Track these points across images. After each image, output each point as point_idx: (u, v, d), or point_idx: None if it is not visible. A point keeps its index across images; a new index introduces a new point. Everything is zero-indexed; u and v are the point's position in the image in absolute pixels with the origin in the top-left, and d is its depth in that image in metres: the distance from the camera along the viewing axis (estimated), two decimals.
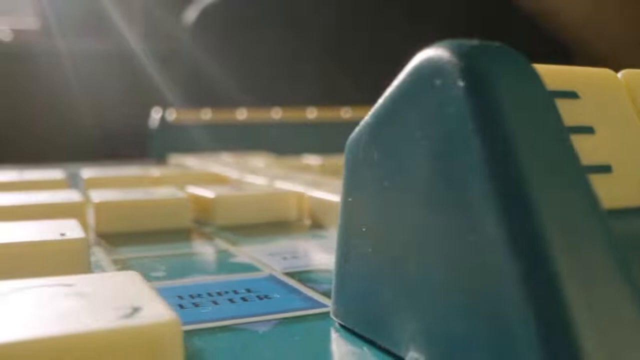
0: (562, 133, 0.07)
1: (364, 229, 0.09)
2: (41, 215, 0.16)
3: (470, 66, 0.07)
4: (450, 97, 0.07)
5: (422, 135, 0.08)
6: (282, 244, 0.16)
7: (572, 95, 0.09)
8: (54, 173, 0.26)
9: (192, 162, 0.32)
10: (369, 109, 0.09)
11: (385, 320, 0.08)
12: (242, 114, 0.43)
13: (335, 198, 0.18)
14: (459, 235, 0.07)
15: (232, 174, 0.25)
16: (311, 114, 0.43)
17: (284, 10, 0.60)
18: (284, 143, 0.41)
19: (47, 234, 0.12)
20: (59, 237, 0.12)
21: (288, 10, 0.60)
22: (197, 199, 0.19)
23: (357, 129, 0.09)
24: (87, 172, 0.26)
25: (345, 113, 0.43)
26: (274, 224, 0.18)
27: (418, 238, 0.08)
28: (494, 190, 0.07)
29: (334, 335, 0.09)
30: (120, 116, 0.81)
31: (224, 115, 0.43)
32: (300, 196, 0.19)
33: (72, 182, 0.26)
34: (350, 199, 0.09)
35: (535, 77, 0.08)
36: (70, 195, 0.18)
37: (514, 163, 0.07)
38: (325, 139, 0.41)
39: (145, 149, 0.49)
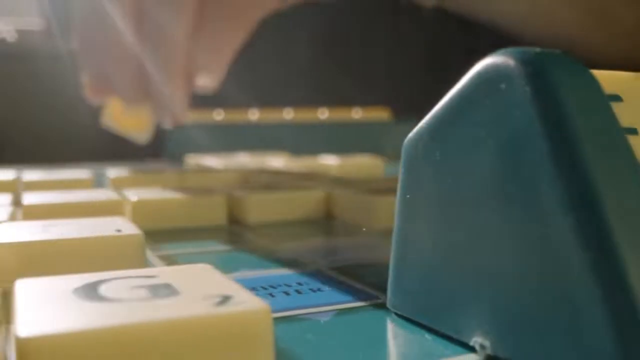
0: (620, 133, 0.08)
1: (424, 224, 0.09)
2: (80, 213, 0.16)
3: (535, 72, 0.08)
4: (516, 100, 0.08)
5: (488, 135, 0.08)
6: (319, 241, 0.16)
7: (616, 98, 0.10)
8: (80, 172, 0.26)
9: (211, 161, 0.32)
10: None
11: (447, 309, 0.09)
12: (254, 115, 0.43)
13: (364, 196, 0.18)
14: (526, 228, 0.08)
15: (255, 173, 0.26)
16: (322, 114, 0.44)
17: (290, 11, 0.61)
18: (296, 143, 0.42)
19: (103, 230, 0.13)
20: (116, 233, 0.12)
21: (295, 12, 0.60)
22: (230, 198, 0.19)
23: (414, 130, 0.10)
24: (113, 172, 0.26)
25: (356, 114, 0.44)
26: (305, 221, 0.19)
27: (484, 231, 0.08)
28: (562, 185, 0.07)
29: (392, 323, 0.10)
30: None
31: (236, 116, 0.43)
32: (329, 195, 0.19)
33: (98, 181, 0.26)
34: (408, 196, 0.10)
35: (594, 81, 0.08)
36: (107, 194, 0.19)
37: (580, 161, 0.07)
38: (336, 139, 0.42)
39: (156, 149, 0.49)
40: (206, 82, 0.30)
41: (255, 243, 0.16)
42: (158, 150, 0.48)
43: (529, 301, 0.08)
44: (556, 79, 0.08)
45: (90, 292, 0.08)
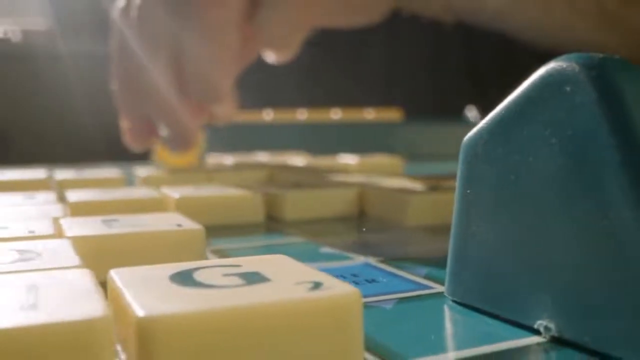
0: None
1: (485, 217, 0.10)
2: (124, 210, 0.17)
3: (599, 75, 0.09)
4: (582, 102, 0.09)
5: (551, 135, 0.09)
6: (357, 236, 0.17)
7: None
8: (110, 172, 0.27)
9: (232, 160, 0.33)
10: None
11: (510, 296, 0.10)
12: (269, 115, 0.44)
13: (397, 194, 0.19)
14: (590, 221, 0.08)
15: (281, 171, 0.26)
16: (335, 114, 0.44)
17: None
18: (308, 143, 0.42)
19: (166, 225, 0.13)
20: (180, 228, 0.13)
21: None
22: (267, 195, 0.20)
23: (474, 130, 0.10)
24: (142, 171, 0.27)
25: (368, 114, 0.45)
26: (339, 218, 0.20)
27: (548, 224, 0.09)
28: (628, 182, 0.08)
29: (453, 310, 0.10)
30: None
31: (251, 117, 0.44)
32: (361, 192, 0.20)
33: (128, 180, 0.27)
34: (468, 191, 0.10)
35: None
36: (147, 192, 0.20)
37: None
38: (349, 139, 0.42)
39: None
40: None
41: (297, 238, 0.17)
42: None
43: (594, 287, 0.08)
44: (619, 82, 0.09)
45: (186, 279, 0.09)
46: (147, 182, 0.25)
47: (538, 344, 0.09)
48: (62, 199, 0.19)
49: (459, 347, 0.09)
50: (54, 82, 0.94)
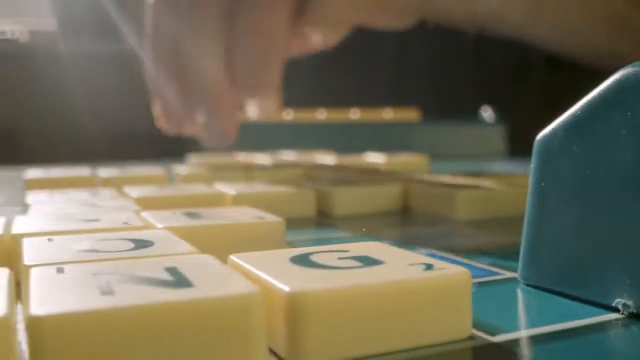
0: None
1: (560, 207, 0.11)
2: (187, 205, 0.18)
3: None
4: None
5: (629, 133, 0.10)
6: (411, 229, 0.18)
7: None
8: (150, 169, 0.28)
9: (261, 158, 0.34)
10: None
11: (588, 277, 0.11)
12: (288, 115, 0.45)
13: (442, 189, 0.20)
14: None
15: (317, 169, 0.27)
16: (354, 114, 0.45)
17: None
18: (327, 142, 0.43)
19: (249, 217, 0.14)
20: (262, 220, 0.14)
21: None
22: (319, 192, 0.21)
23: (549, 128, 0.11)
24: (181, 169, 0.28)
25: (387, 114, 0.46)
26: (386, 213, 0.21)
27: (624, 212, 0.10)
28: None
29: (531, 292, 0.12)
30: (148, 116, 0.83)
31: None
32: (406, 188, 0.21)
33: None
34: (543, 184, 0.12)
35: None
36: (203, 188, 0.21)
37: None
38: (367, 139, 0.43)
39: (184, 149, 0.51)
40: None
41: (354, 232, 0.18)
42: (190, 149, 0.49)
43: None
44: None
45: (306, 261, 0.10)
46: (188, 179, 0.26)
47: (616, 319, 0.10)
48: (122, 194, 0.20)
49: (546, 323, 0.10)
50: (62, 83, 0.95)
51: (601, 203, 0.10)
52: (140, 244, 0.11)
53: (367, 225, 0.19)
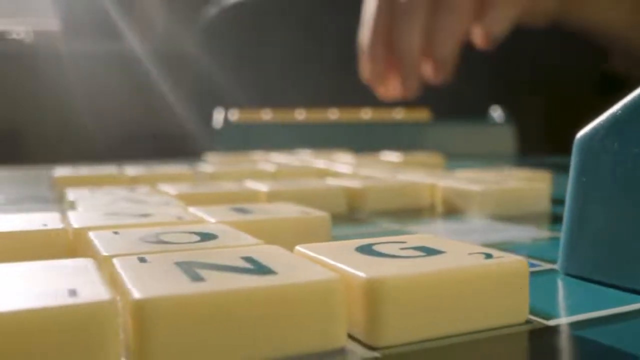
0: None
1: (602, 201, 0.12)
2: (224, 201, 0.19)
3: None
4: None
5: None
6: (441, 225, 0.19)
7: None
8: (177, 168, 0.29)
9: (280, 158, 0.34)
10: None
11: (629, 265, 0.11)
12: (300, 114, 0.45)
13: (467, 186, 0.21)
14: None
15: (338, 167, 0.28)
16: (365, 114, 0.46)
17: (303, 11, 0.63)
18: (340, 142, 0.44)
19: (295, 212, 0.15)
20: (309, 215, 0.15)
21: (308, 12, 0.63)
22: (346, 189, 0.21)
23: (589, 127, 0.12)
24: (208, 167, 0.28)
25: (397, 114, 0.46)
26: (414, 209, 0.21)
27: None
28: None
29: (572, 282, 0.12)
30: (172, 116, 0.84)
31: (283, 116, 0.45)
32: (432, 185, 0.22)
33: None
34: (584, 179, 0.12)
35: None
36: (237, 185, 0.21)
37: None
38: (377, 138, 0.44)
39: (199, 148, 0.51)
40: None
41: (388, 227, 0.18)
42: (205, 148, 0.50)
43: None
44: None
45: (370, 251, 0.10)
46: (215, 177, 0.27)
47: None
48: (158, 192, 0.21)
49: (594, 309, 0.11)
50: (67, 82, 0.95)
51: None
52: (205, 236, 0.12)
53: (399, 220, 0.19)
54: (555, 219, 0.19)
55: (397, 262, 0.10)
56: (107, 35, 0.98)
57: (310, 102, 0.48)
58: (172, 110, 0.88)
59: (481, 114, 0.47)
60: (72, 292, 0.08)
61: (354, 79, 0.43)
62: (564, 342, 0.09)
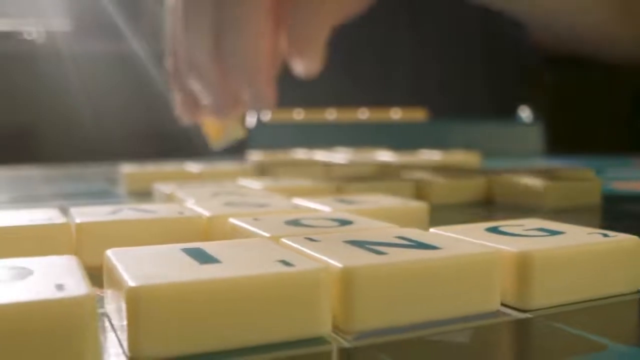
0: None
1: None
2: (310, 194, 0.20)
3: None
4: None
5: None
6: (507, 217, 0.20)
7: None
8: (235, 165, 0.30)
9: (321, 155, 0.36)
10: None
11: None
12: (331, 114, 0.47)
13: (526, 181, 0.22)
14: None
15: (390, 166, 0.30)
16: (395, 114, 0.48)
17: None
18: (370, 141, 0.46)
19: (393, 203, 0.17)
20: (406, 205, 0.16)
21: None
22: (416, 181, 0.23)
23: None
24: (260, 164, 0.30)
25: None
26: (473, 203, 0.23)
27: None
28: None
29: None
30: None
31: (314, 116, 0.47)
32: (490, 180, 0.24)
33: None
34: None
35: None
36: (316, 181, 0.23)
37: None
38: (405, 137, 0.46)
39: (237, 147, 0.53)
40: (303, 67, 0.31)
41: (455, 219, 0.20)
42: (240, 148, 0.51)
43: None
44: None
45: (498, 231, 0.12)
46: (277, 174, 0.28)
47: None
48: (241, 186, 0.23)
49: None
50: (78, 82, 0.97)
51: None
52: (342, 222, 0.14)
53: (464, 213, 0.21)
54: (610, 212, 0.21)
55: (532, 239, 0.11)
56: (118, 35, 0.99)
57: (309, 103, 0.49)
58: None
59: (510, 114, 0.49)
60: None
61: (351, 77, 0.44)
62: None
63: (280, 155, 0.36)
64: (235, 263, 0.10)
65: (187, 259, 0.10)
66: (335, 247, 0.11)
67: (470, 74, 0.56)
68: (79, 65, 0.98)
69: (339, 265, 0.09)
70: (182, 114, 0.35)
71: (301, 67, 0.31)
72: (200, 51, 0.31)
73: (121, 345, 0.09)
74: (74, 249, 0.14)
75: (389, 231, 0.12)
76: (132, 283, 0.09)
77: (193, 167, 0.29)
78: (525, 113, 0.48)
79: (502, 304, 0.11)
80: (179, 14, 0.32)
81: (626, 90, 0.59)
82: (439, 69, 0.57)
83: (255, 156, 0.36)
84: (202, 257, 0.10)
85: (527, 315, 0.10)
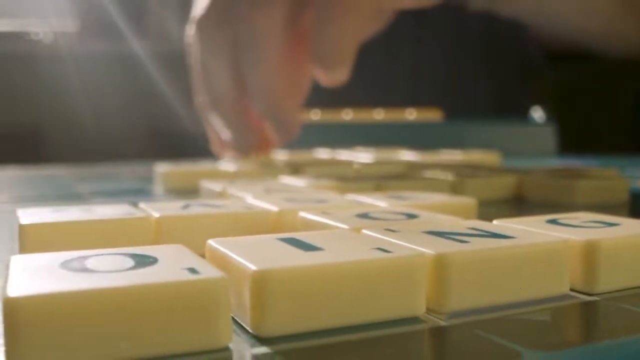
0: None
1: None
2: (356, 191, 0.21)
3: None
4: None
5: None
6: (542, 214, 0.22)
7: None
8: (269, 164, 0.31)
9: (345, 155, 0.37)
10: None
11: None
12: (347, 115, 0.48)
13: (557, 179, 0.23)
14: None
15: (414, 165, 0.31)
16: (410, 115, 0.49)
17: None
18: (386, 141, 0.47)
19: (441, 199, 0.18)
20: (454, 201, 0.17)
21: None
22: (451, 181, 0.24)
23: None
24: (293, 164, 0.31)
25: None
26: (503, 201, 0.24)
27: None
28: None
29: None
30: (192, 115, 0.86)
31: (331, 116, 0.48)
32: (520, 179, 0.25)
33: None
34: None
35: None
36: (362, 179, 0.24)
37: None
38: (421, 137, 0.47)
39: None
40: (329, 80, 0.32)
41: (499, 214, 0.21)
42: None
43: None
44: None
45: (557, 223, 0.13)
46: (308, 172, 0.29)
47: None
48: (284, 185, 0.24)
49: None
50: (85, 82, 0.97)
51: None
52: (409, 216, 0.15)
53: (502, 209, 0.22)
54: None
55: (594, 230, 0.12)
56: (125, 36, 1.00)
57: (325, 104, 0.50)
58: (193, 110, 0.90)
59: (522, 114, 0.50)
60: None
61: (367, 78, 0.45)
62: None
63: (305, 155, 0.37)
64: (337, 250, 0.11)
65: (290, 247, 0.11)
66: (416, 237, 0.12)
67: (479, 76, 0.57)
68: (82, 66, 0.99)
69: (432, 252, 0.10)
70: (215, 149, 0.37)
71: (327, 79, 0.32)
72: (220, 91, 0.33)
73: (238, 323, 0.10)
74: (153, 242, 0.15)
75: (459, 223, 0.13)
76: (255, 267, 0.10)
77: (228, 166, 0.30)
78: (537, 113, 0.50)
79: (570, 289, 0.12)
80: (197, 56, 0.34)
81: (632, 89, 0.60)
82: (448, 71, 0.58)
83: (281, 155, 0.37)
84: (303, 246, 0.11)
85: (595, 297, 0.11)
